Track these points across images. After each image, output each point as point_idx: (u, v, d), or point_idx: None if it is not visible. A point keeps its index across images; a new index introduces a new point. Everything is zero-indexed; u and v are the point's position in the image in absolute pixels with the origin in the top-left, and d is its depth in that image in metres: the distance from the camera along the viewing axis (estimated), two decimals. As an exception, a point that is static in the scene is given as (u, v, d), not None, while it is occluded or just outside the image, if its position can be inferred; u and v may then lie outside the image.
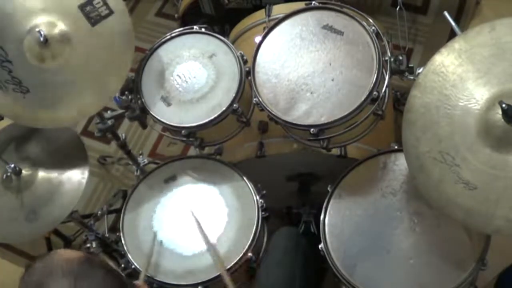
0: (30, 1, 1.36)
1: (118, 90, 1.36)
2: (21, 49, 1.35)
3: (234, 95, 1.39)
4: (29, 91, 1.32)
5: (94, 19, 1.35)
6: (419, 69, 1.23)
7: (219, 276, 1.32)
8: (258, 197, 1.43)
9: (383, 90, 1.31)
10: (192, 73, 1.46)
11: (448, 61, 1.16)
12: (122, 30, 1.36)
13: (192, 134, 1.44)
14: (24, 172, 1.44)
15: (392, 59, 1.36)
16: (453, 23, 1.35)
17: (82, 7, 1.36)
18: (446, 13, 1.38)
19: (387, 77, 1.33)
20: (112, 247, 1.74)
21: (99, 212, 1.86)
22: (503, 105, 1.03)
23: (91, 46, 1.35)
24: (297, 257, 1.38)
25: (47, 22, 1.34)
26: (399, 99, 1.99)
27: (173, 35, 1.52)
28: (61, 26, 1.35)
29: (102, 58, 1.35)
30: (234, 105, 1.39)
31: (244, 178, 1.47)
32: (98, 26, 1.35)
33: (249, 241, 1.36)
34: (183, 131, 1.42)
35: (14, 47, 1.34)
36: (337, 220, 1.37)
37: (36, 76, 1.33)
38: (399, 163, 1.39)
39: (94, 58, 1.35)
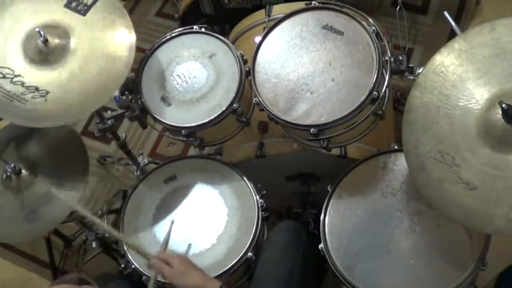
0: (21, 15, 1.40)
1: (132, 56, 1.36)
2: (26, 58, 1.36)
3: (234, 95, 1.39)
4: (49, 92, 1.33)
5: (83, 10, 1.38)
6: (419, 69, 1.23)
7: (220, 276, 1.32)
8: (258, 197, 1.43)
9: (383, 90, 1.31)
10: (192, 73, 1.46)
11: (448, 61, 1.16)
12: (113, 9, 1.39)
13: (192, 134, 1.44)
14: (24, 172, 1.44)
15: (392, 59, 1.36)
16: (453, 23, 1.35)
17: (67, 5, 1.39)
18: (446, 13, 1.38)
19: (387, 77, 1.33)
20: (112, 247, 1.74)
21: (99, 212, 1.86)
22: (503, 105, 1.03)
23: (90, 32, 1.37)
24: (297, 252, 1.38)
25: (42, 26, 1.36)
26: (399, 99, 1.98)
27: (173, 35, 1.52)
28: (55, 25, 1.37)
29: (104, 38, 1.37)
30: (234, 105, 1.39)
31: (244, 178, 1.47)
32: (89, 14, 1.38)
33: (249, 241, 1.36)
34: (183, 131, 1.42)
35: (19, 59, 1.37)
36: (337, 220, 1.37)
37: (49, 76, 1.34)
38: (399, 163, 1.39)
39: (96, 41, 1.37)
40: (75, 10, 1.39)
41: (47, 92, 1.32)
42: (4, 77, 1.34)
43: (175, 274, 1.19)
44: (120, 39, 1.37)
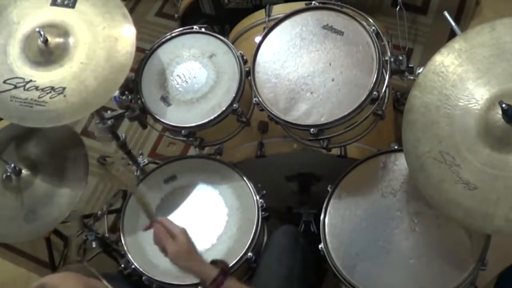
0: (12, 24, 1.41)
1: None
2: (31, 63, 1.37)
3: (234, 95, 1.39)
4: (66, 87, 1.33)
5: (70, 3, 1.40)
6: (419, 69, 1.23)
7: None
8: (258, 197, 1.43)
9: (383, 90, 1.31)
10: (192, 73, 1.46)
11: (448, 61, 1.16)
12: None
13: (192, 134, 1.44)
14: (24, 172, 1.44)
15: (392, 59, 1.36)
16: (453, 23, 1.35)
17: (53, 3, 1.41)
18: (446, 13, 1.38)
19: (387, 77, 1.33)
20: (112, 247, 1.74)
21: (99, 212, 1.86)
22: (503, 105, 1.03)
23: (85, 21, 1.39)
24: (296, 255, 1.38)
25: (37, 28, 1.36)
26: (399, 99, 1.99)
27: (173, 35, 1.52)
28: (50, 24, 1.38)
29: (99, 20, 1.38)
30: (234, 105, 1.39)
31: (244, 178, 1.47)
32: (78, 4, 1.40)
33: (249, 241, 1.36)
34: (183, 131, 1.42)
35: (24, 66, 1.37)
36: (337, 220, 1.37)
37: (60, 73, 1.35)
38: (399, 163, 1.39)
39: (94, 26, 1.38)
40: (63, 5, 1.40)
41: (64, 88, 1.32)
42: (15, 87, 1.34)
43: (176, 250, 1.12)
44: (114, 16, 1.38)
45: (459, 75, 1.14)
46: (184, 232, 1.17)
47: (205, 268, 1.16)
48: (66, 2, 1.40)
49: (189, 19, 2.08)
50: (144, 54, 1.51)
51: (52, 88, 1.32)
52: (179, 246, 1.13)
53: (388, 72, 1.33)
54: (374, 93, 1.27)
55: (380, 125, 1.40)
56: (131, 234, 1.45)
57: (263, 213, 1.42)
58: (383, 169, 1.40)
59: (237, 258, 1.35)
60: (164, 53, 1.51)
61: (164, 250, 1.16)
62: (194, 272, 1.16)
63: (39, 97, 1.32)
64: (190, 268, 1.16)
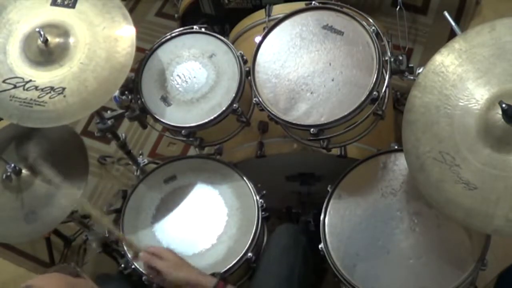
0: (12, 24, 1.41)
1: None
2: (31, 63, 1.36)
3: (234, 95, 1.39)
4: (65, 88, 1.33)
5: (70, 3, 1.40)
6: (419, 69, 1.23)
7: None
8: (258, 197, 1.43)
9: (383, 90, 1.31)
10: (192, 73, 1.46)
11: (448, 61, 1.16)
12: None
13: (192, 134, 1.44)
14: (24, 172, 1.44)
15: (392, 59, 1.36)
16: (453, 23, 1.35)
17: (54, 3, 1.41)
18: (446, 13, 1.38)
19: (387, 77, 1.33)
20: (112, 247, 1.74)
21: (99, 212, 1.86)
22: (503, 105, 1.03)
23: (85, 21, 1.39)
24: (296, 254, 1.38)
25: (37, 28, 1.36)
26: (399, 99, 1.99)
27: (173, 35, 1.52)
28: (50, 24, 1.38)
29: (99, 21, 1.38)
30: (234, 105, 1.39)
31: (244, 178, 1.47)
32: (78, 5, 1.40)
33: (249, 241, 1.36)
34: (183, 131, 1.42)
35: (24, 66, 1.37)
36: (337, 220, 1.37)
37: (60, 73, 1.35)
38: (399, 163, 1.39)
39: (93, 26, 1.38)
40: (63, 5, 1.40)
41: (64, 88, 1.32)
42: (15, 87, 1.34)
43: (168, 266, 1.17)
44: (114, 17, 1.38)
45: (459, 75, 1.14)
46: (168, 250, 1.22)
47: (204, 276, 1.20)
48: (66, 2, 1.40)
49: (189, 19, 2.08)
50: (144, 54, 1.51)
51: (52, 88, 1.32)
52: (168, 261, 1.17)
53: (388, 72, 1.33)
54: (374, 93, 1.27)
55: (380, 125, 1.40)
56: (131, 234, 1.45)
57: (263, 213, 1.42)
58: (383, 169, 1.41)
59: (237, 258, 1.35)
60: (164, 53, 1.51)
61: (158, 272, 1.21)
62: (193, 281, 1.19)
63: (38, 97, 1.32)
64: (188, 278, 1.19)
